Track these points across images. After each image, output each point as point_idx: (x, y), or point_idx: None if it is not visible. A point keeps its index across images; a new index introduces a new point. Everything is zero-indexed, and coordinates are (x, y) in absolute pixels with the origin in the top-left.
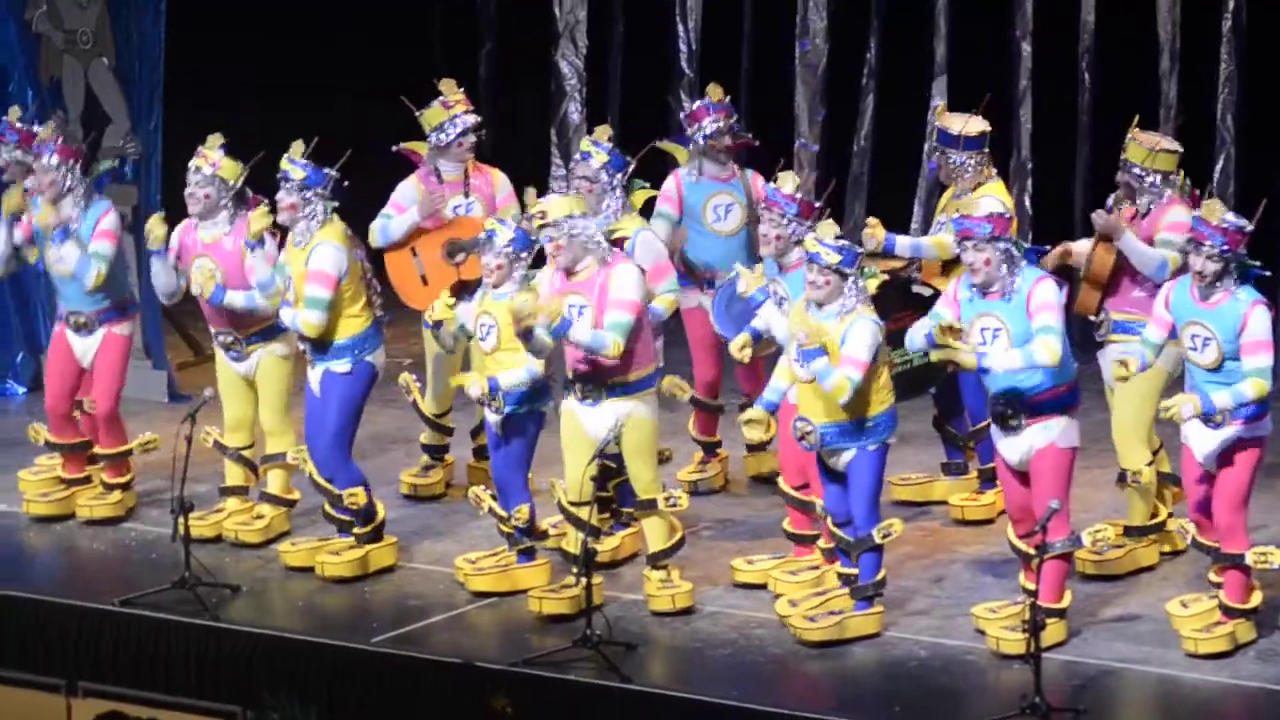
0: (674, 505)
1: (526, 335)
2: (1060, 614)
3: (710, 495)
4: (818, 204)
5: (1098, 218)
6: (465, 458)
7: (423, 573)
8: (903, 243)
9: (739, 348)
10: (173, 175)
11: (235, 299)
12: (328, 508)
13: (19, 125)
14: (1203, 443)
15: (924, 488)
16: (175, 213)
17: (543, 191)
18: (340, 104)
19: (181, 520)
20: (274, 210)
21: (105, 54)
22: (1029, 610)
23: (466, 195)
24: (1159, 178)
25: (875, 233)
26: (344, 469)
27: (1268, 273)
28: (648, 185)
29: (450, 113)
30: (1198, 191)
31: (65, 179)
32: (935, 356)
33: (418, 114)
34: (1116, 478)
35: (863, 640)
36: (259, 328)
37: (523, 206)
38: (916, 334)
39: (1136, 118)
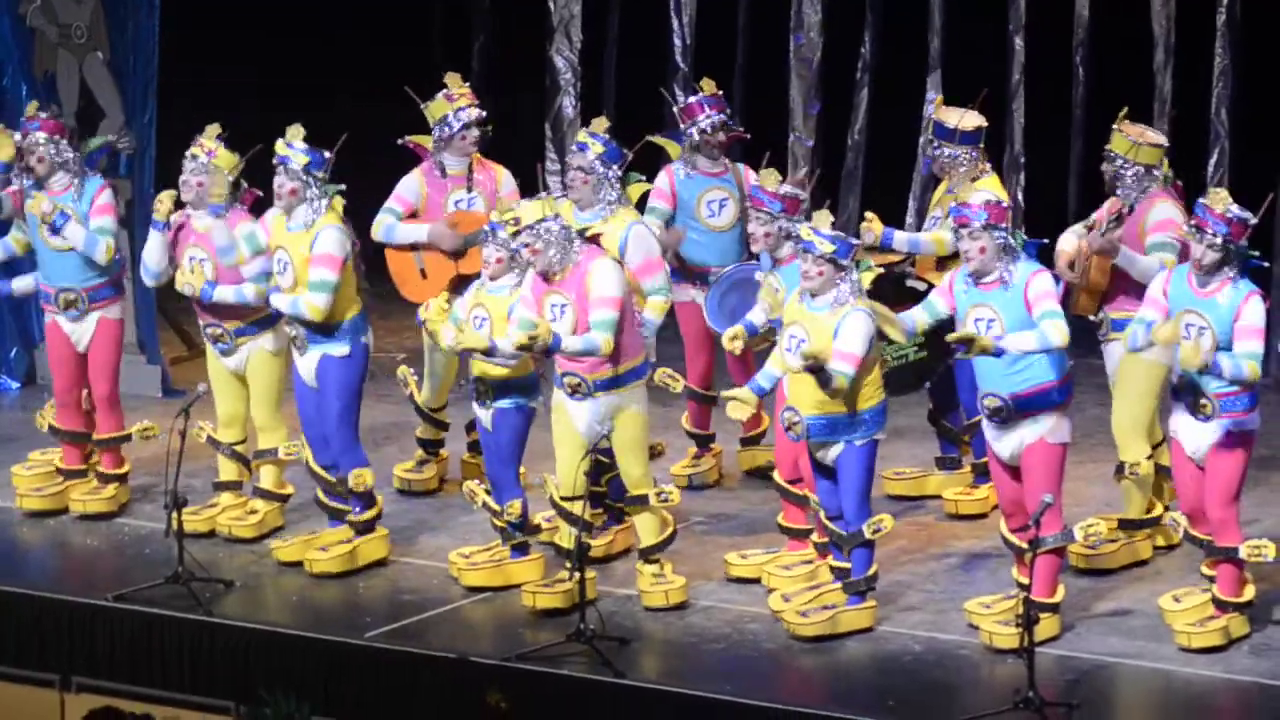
0: (665, 500)
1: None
2: (1053, 608)
3: (704, 490)
4: (803, 197)
5: (1091, 241)
6: (459, 452)
7: (417, 568)
8: (900, 238)
9: (730, 338)
10: (168, 171)
11: (224, 294)
12: (321, 495)
13: (42, 115)
14: (1192, 436)
15: (918, 482)
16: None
17: (529, 187)
18: (340, 104)
19: (175, 515)
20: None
21: (100, 48)
22: (1022, 605)
23: (469, 190)
24: (1142, 170)
25: (873, 228)
26: (353, 451)
27: (1266, 264)
28: (644, 179)
29: (453, 106)
30: (1180, 183)
31: (54, 153)
32: (952, 338)
33: (422, 106)
34: (1115, 470)
35: (856, 635)
36: (248, 320)
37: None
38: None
39: (1125, 110)
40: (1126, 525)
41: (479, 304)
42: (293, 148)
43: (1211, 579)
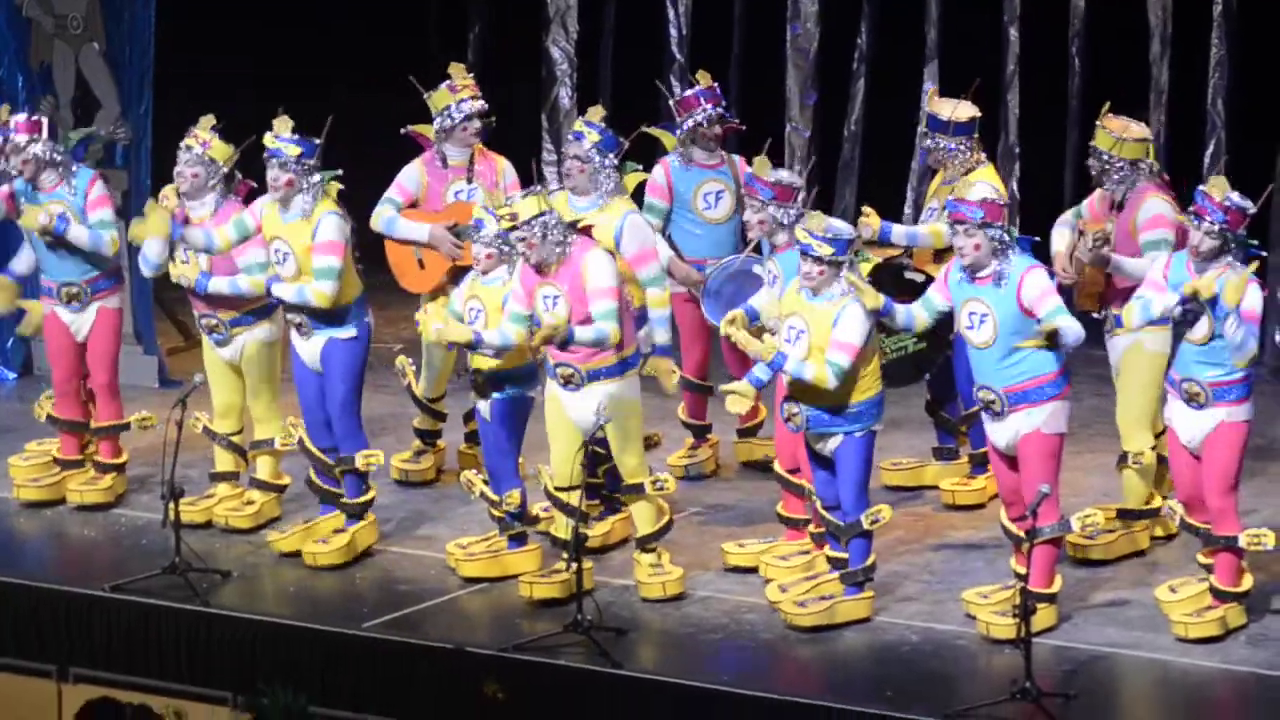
0: (661, 489)
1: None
2: (1050, 599)
3: (701, 480)
4: (798, 186)
5: (1082, 255)
6: (457, 443)
7: (414, 558)
8: (898, 231)
9: (728, 321)
10: (164, 162)
11: (219, 285)
12: (313, 476)
13: (15, 118)
14: (1186, 425)
15: (915, 473)
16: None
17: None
18: (336, 94)
19: (172, 506)
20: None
21: (96, 39)
22: (1019, 595)
23: (469, 181)
24: (1127, 164)
25: (871, 221)
26: (357, 435)
27: (1264, 253)
28: (640, 168)
29: (456, 97)
30: (1166, 175)
31: (37, 153)
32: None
33: (425, 96)
34: (1117, 459)
35: (853, 625)
36: (243, 310)
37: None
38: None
39: (1108, 104)
40: (1125, 515)
41: (474, 296)
42: (282, 140)
43: (1208, 568)
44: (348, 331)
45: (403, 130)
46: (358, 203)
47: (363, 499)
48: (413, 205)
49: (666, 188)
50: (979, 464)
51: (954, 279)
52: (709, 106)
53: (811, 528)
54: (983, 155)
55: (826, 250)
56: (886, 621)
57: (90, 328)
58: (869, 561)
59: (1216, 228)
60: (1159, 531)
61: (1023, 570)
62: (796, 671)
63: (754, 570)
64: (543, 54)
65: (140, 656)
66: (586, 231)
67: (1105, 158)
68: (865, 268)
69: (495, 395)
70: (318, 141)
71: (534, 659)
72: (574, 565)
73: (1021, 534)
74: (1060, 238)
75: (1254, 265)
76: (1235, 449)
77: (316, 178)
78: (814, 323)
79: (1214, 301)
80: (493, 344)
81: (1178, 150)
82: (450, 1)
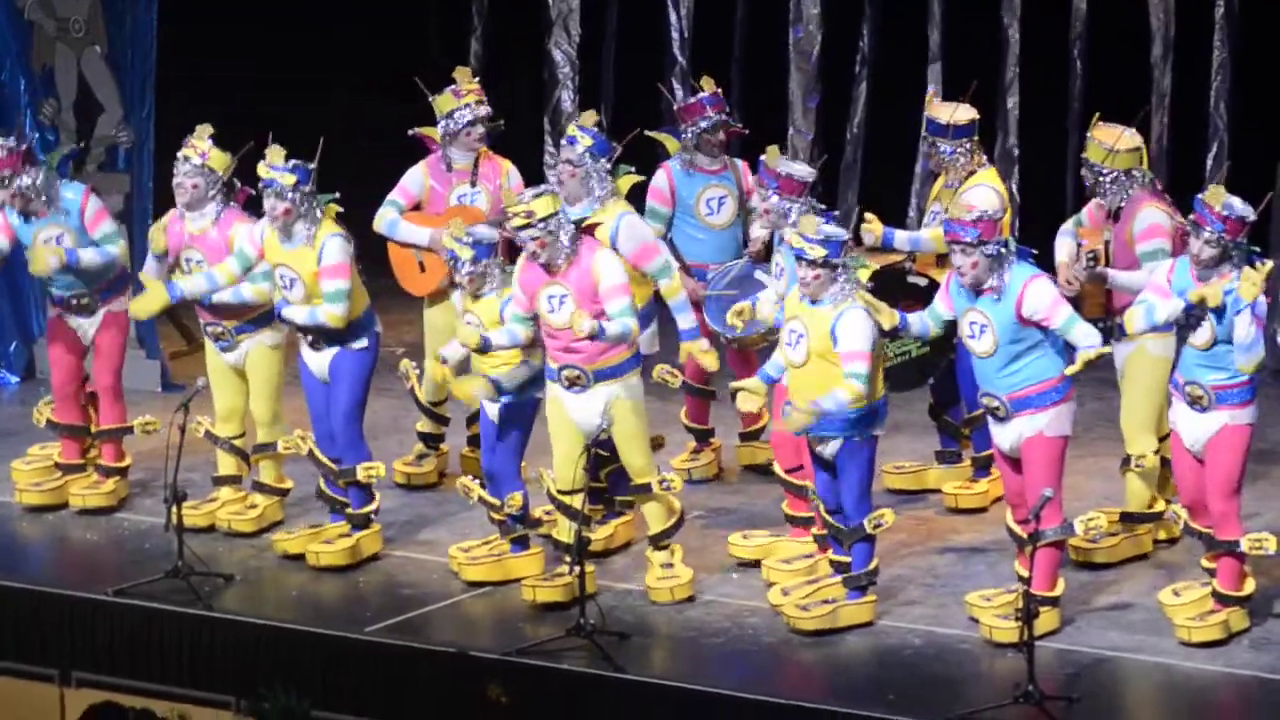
0: (668, 488)
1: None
2: (1053, 602)
3: (703, 484)
4: (808, 180)
5: (1078, 274)
6: (460, 447)
7: (417, 562)
8: (901, 237)
9: (736, 313)
10: (166, 165)
11: (224, 295)
12: (323, 486)
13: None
14: (1190, 428)
15: (918, 476)
16: (167, 202)
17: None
18: (336, 97)
19: (175, 509)
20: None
21: (98, 42)
22: (1022, 598)
23: (473, 184)
24: (1120, 174)
25: (873, 228)
26: (361, 444)
27: (1269, 262)
28: (633, 170)
29: (460, 102)
30: (1160, 184)
31: (23, 186)
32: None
33: (431, 99)
34: (1121, 462)
35: (856, 629)
36: (248, 317)
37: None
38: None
39: (1097, 115)
40: (1128, 519)
41: (468, 311)
42: (276, 169)
43: (1212, 572)
44: (359, 343)
45: (410, 132)
46: (358, 205)
47: (367, 509)
48: (416, 208)
49: (669, 193)
50: (982, 468)
51: (955, 289)
52: (713, 113)
53: (815, 530)
54: (984, 158)
55: (819, 253)
56: (889, 625)
57: (96, 330)
58: (871, 565)
59: (1215, 237)
60: (1162, 535)
61: (1026, 573)
62: (799, 675)
63: (758, 564)
64: (545, 57)
65: (143, 660)
66: (590, 232)
67: (1098, 170)
68: (863, 274)
69: (503, 398)
70: (312, 166)
71: (537, 663)
72: (577, 569)
73: (1025, 536)
74: (1062, 247)
75: (1269, 266)
76: (1238, 453)
77: (314, 202)
78: (812, 326)
79: (1219, 309)
80: (501, 344)
81: (1180, 154)
82: (451, 5)
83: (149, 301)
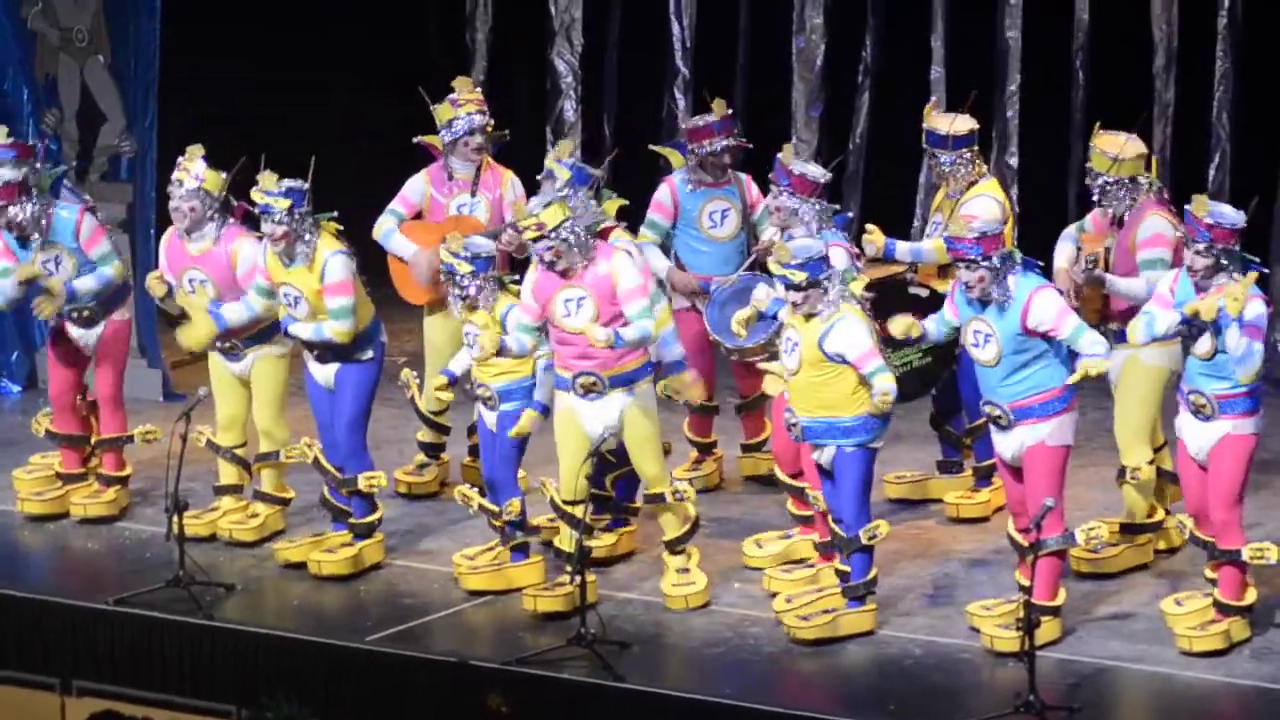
0: (681, 499)
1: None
2: (1055, 612)
3: (705, 493)
4: (821, 181)
5: (1077, 277)
6: (461, 456)
7: (418, 571)
8: (902, 248)
9: (739, 322)
10: (168, 173)
11: (232, 317)
12: (327, 494)
13: (9, 140)
14: (1193, 436)
15: (919, 486)
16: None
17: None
18: (336, 98)
19: (176, 519)
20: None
21: (101, 51)
22: (1023, 608)
23: (473, 194)
24: (1126, 181)
25: (875, 239)
26: (363, 454)
27: (1265, 270)
28: (614, 195)
29: (459, 111)
30: (1167, 192)
31: (20, 217)
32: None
33: (432, 108)
34: (1116, 474)
35: (856, 638)
36: (256, 330)
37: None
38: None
39: (1098, 124)
40: (1128, 530)
41: (468, 320)
42: (270, 195)
43: (1214, 582)
44: (364, 354)
45: (414, 140)
46: (357, 205)
47: (370, 519)
48: (417, 216)
49: (671, 206)
50: (983, 477)
51: (960, 297)
52: (721, 139)
53: (816, 538)
54: (984, 168)
55: (801, 276)
56: (890, 635)
57: (98, 340)
58: (870, 576)
59: (1204, 246)
60: (1163, 545)
61: (1027, 583)
62: (800, 685)
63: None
64: (547, 66)
65: (144, 669)
66: (605, 235)
67: (1102, 179)
68: (856, 286)
69: (503, 407)
70: (305, 187)
71: (537, 672)
72: (578, 579)
73: (1027, 545)
74: (1062, 253)
75: (1253, 276)
76: (1240, 462)
77: (310, 222)
78: (804, 334)
79: (1215, 322)
80: (510, 351)
81: (1182, 164)
82: (451, 6)
83: (198, 331)
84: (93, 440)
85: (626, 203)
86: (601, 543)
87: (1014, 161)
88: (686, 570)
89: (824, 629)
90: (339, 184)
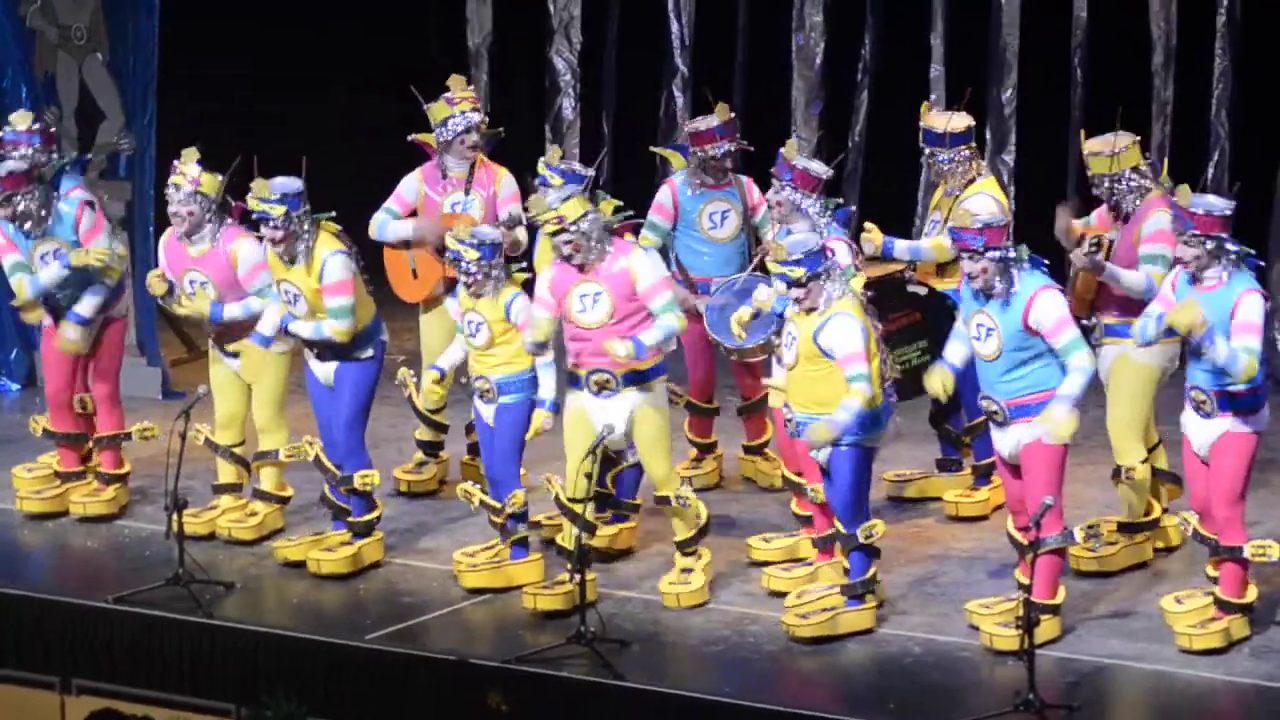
0: (685, 505)
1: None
2: (1054, 610)
3: (704, 492)
4: (823, 177)
5: (1077, 260)
6: (460, 454)
7: (417, 569)
8: (901, 246)
9: (738, 322)
10: (167, 171)
11: (233, 311)
12: (327, 492)
13: (35, 126)
14: (1196, 432)
15: (918, 484)
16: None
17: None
18: (335, 96)
19: (175, 517)
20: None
21: (99, 49)
22: (1023, 606)
23: (466, 192)
24: (1129, 174)
25: (873, 237)
26: (359, 453)
27: (1261, 262)
28: (607, 196)
29: (454, 109)
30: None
31: (24, 209)
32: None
33: (425, 107)
34: (1111, 473)
35: (856, 636)
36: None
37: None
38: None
39: (1083, 132)
40: (1125, 529)
41: (471, 309)
42: (266, 202)
43: (1216, 580)
44: (364, 353)
45: (409, 138)
46: (356, 204)
47: (368, 516)
48: (411, 214)
49: (672, 207)
50: (982, 476)
51: (965, 290)
52: (724, 143)
53: (814, 534)
54: (983, 165)
55: (799, 273)
56: (889, 633)
57: (93, 339)
58: (869, 574)
59: (1189, 236)
60: (1161, 543)
61: (1027, 581)
62: (799, 683)
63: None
64: (546, 65)
65: (143, 668)
66: (621, 232)
67: (1107, 181)
68: (855, 282)
69: (501, 400)
70: (301, 189)
71: (537, 671)
72: (577, 577)
73: (1026, 544)
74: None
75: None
76: (1240, 459)
77: (307, 224)
78: (802, 328)
79: (1216, 315)
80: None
81: (1182, 162)
82: (450, 4)
83: (198, 304)
84: (93, 438)
85: (620, 204)
86: (602, 532)
87: (1010, 159)
88: (690, 570)
89: (823, 627)
90: (338, 182)
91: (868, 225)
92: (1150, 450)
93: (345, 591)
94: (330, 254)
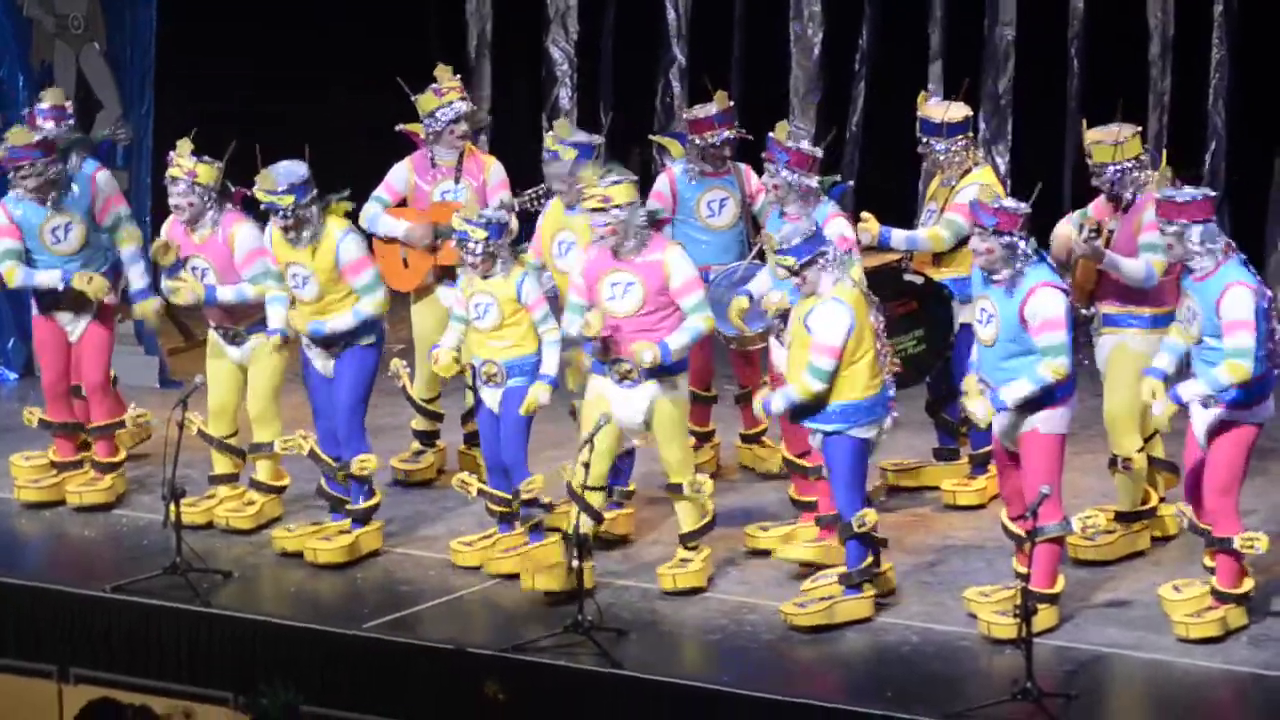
0: (699, 491)
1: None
2: (1052, 599)
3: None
4: (817, 156)
5: (1077, 247)
6: (456, 443)
7: (414, 559)
8: (897, 236)
9: (737, 312)
10: (164, 162)
11: (226, 294)
12: (323, 484)
13: (66, 103)
14: (1199, 420)
15: (916, 473)
16: (165, 200)
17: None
18: (335, 95)
19: (172, 506)
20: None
21: (97, 39)
22: (1021, 595)
23: (456, 181)
24: (1133, 164)
25: (869, 227)
26: (359, 439)
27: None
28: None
29: (442, 100)
30: (1178, 182)
31: (52, 174)
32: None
33: (413, 99)
34: (1108, 462)
35: (854, 625)
36: (257, 319)
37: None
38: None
39: (1085, 122)
40: (1122, 518)
41: (480, 291)
42: (273, 194)
43: (1212, 570)
44: (367, 339)
45: (396, 128)
46: (356, 203)
47: (368, 504)
48: (401, 204)
49: (670, 195)
50: (979, 465)
51: (977, 275)
52: (723, 130)
53: (820, 511)
54: (979, 155)
55: (790, 261)
56: (887, 622)
57: (84, 329)
58: (866, 563)
59: (1167, 228)
60: (1159, 532)
61: (1024, 569)
62: (797, 672)
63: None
64: (543, 54)
65: (141, 657)
66: (659, 226)
67: (1111, 170)
68: (855, 271)
69: (509, 385)
70: (306, 176)
71: (534, 659)
72: (576, 564)
73: (1022, 533)
74: (1063, 229)
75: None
76: (1234, 450)
77: (315, 208)
78: (798, 310)
79: (1202, 306)
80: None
81: (1178, 152)
82: (450, 3)
83: (186, 291)
84: (88, 426)
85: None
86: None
87: (1006, 150)
88: (689, 561)
89: (821, 615)
90: (338, 182)
91: (864, 215)
92: (1147, 440)
93: (342, 580)
94: (342, 234)
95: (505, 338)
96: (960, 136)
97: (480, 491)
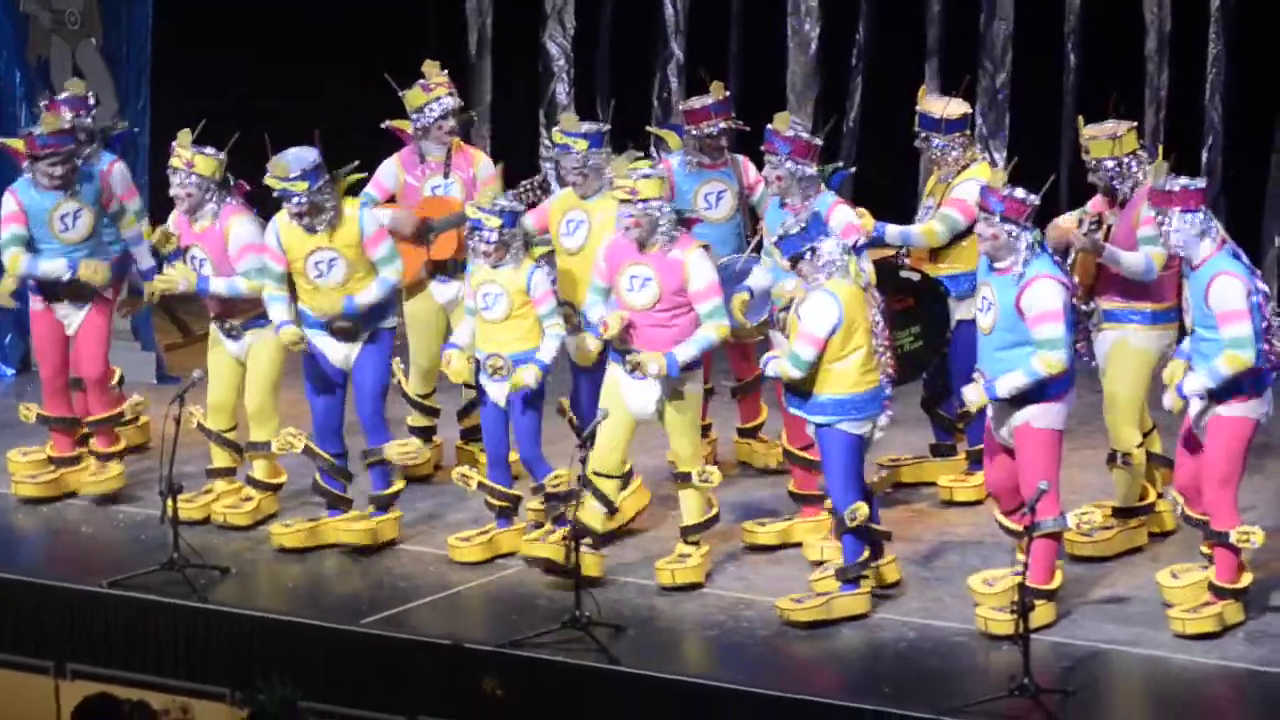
0: (706, 481)
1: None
2: (1049, 595)
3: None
4: (816, 144)
5: (1076, 240)
6: (453, 439)
7: (412, 554)
8: (892, 231)
9: (740, 305)
10: (160, 158)
11: (218, 285)
12: (319, 480)
13: (88, 94)
14: (1196, 410)
15: (912, 469)
16: (160, 194)
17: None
18: (330, 92)
19: (170, 502)
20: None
21: (93, 34)
22: (1018, 591)
23: (446, 176)
24: (1130, 159)
25: (865, 223)
26: (386, 424)
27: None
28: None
29: (430, 96)
30: (1175, 175)
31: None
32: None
33: (400, 95)
34: (1107, 458)
35: (851, 621)
36: (256, 313)
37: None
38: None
39: (1081, 118)
40: (1120, 513)
41: (489, 281)
42: (286, 181)
43: (1210, 558)
44: (389, 322)
45: (383, 125)
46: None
47: (390, 490)
48: (390, 200)
49: (669, 188)
50: (976, 460)
51: (982, 262)
52: (719, 121)
53: (816, 519)
54: (977, 152)
55: (778, 254)
56: (884, 618)
57: (82, 321)
58: (861, 558)
59: (1161, 217)
60: (1156, 528)
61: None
62: (795, 668)
63: (774, 549)
64: (540, 50)
65: (138, 652)
66: (689, 226)
67: (1110, 164)
68: (854, 266)
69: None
70: (318, 160)
71: (532, 655)
72: (575, 554)
73: (1019, 529)
74: (1063, 219)
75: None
76: (1230, 443)
77: (330, 193)
78: (795, 303)
79: (1196, 295)
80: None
81: (1176, 147)
82: (449, 4)
83: (175, 277)
84: (87, 421)
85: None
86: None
87: (1004, 147)
88: (687, 556)
89: (818, 611)
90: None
91: (860, 211)
92: (1145, 435)
93: (340, 576)
94: (358, 209)
95: (513, 330)
96: (958, 133)
97: (480, 485)
